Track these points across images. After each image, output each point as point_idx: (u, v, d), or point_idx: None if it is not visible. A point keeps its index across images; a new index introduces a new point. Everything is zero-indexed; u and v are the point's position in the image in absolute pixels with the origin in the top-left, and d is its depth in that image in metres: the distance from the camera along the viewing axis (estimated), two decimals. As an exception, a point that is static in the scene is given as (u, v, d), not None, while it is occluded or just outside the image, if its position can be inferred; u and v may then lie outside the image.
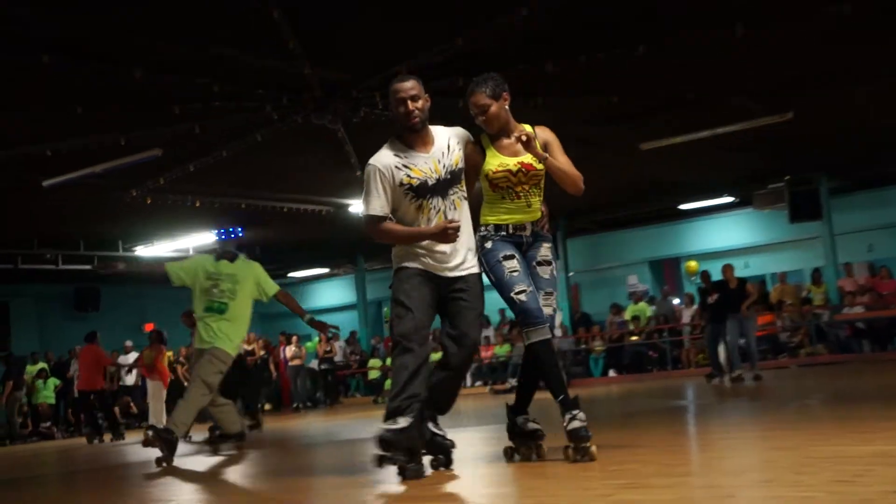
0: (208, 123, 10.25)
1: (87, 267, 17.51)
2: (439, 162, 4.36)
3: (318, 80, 9.50)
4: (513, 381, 17.83)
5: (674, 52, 9.28)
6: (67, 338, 19.89)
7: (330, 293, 25.04)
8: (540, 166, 4.42)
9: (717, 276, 13.37)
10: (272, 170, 13.11)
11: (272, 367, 20.34)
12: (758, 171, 16.09)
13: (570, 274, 20.29)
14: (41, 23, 7.61)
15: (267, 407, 19.86)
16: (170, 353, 15.51)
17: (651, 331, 18.28)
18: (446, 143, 4.43)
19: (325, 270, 23.79)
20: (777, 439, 4.49)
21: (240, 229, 7.86)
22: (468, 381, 19.59)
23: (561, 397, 4.18)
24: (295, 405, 19.42)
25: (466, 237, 4.40)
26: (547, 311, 4.36)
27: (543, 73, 9.30)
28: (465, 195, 4.46)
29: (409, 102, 4.30)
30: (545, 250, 4.48)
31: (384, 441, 4.11)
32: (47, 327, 20.46)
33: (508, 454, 4.54)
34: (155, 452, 6.66)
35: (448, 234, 4.22)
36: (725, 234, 19.71)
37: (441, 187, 4.35)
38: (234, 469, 5.83)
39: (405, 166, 4.32)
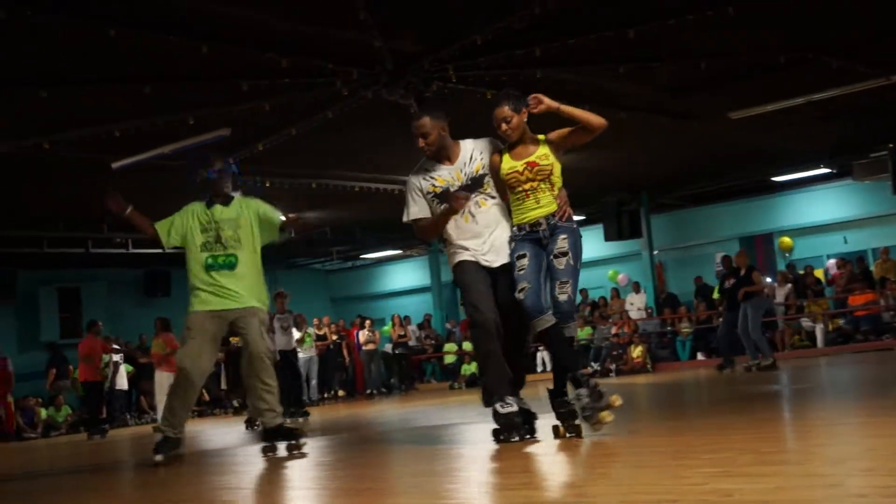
0: (277, 101, 10.36)
1: (158, 251, 17.92)
2: (461, 171, 5.33)
3: (389, 53, 9.52)
4: (594, 366, 17.74)
5: (766, 12, 9.05)
6: (138, 323, 20.43)
7: (403, 275, 25.20)
8: (545, 161, 5.11)
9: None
10: (343, 148, 13.21)
11: (345, 352, 20.59)
12: (857, 139, 15.64)
13: (655, 252, 20.05)
14: None
15: (340, 394, 20.13)
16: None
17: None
18: (469, 154, 5.37)
19: (398, 252, 23.93)
20: (878, 426, 4.38)
21: (234, 163, 6.61)
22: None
23: (570, 375, 5.04)
24: (369, 391, 19.63)
25: (497, 234, 5.25)
26: (561, 297, 5.01)
27: (625, 38, 9.16)
28: (494, 196, 5.31)
29: (419, 140, 5.31)
30: (561, 242, 5.09)
31: (507, 423, 5.10)
32: (118, 312, 20.99)
33: (555, 431, 5.13)
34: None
35: (454, 201, 5.14)
36: (822, 208, 19.24)
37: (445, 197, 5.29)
38: (308, 458, 5.91)
39: (430, 178, 5.38)
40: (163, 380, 13.28)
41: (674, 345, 18.54)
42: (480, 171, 5.29)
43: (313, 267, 25.89)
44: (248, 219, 6.36)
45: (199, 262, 6.24)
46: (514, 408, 5.14)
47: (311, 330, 19.25)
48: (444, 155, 5.36)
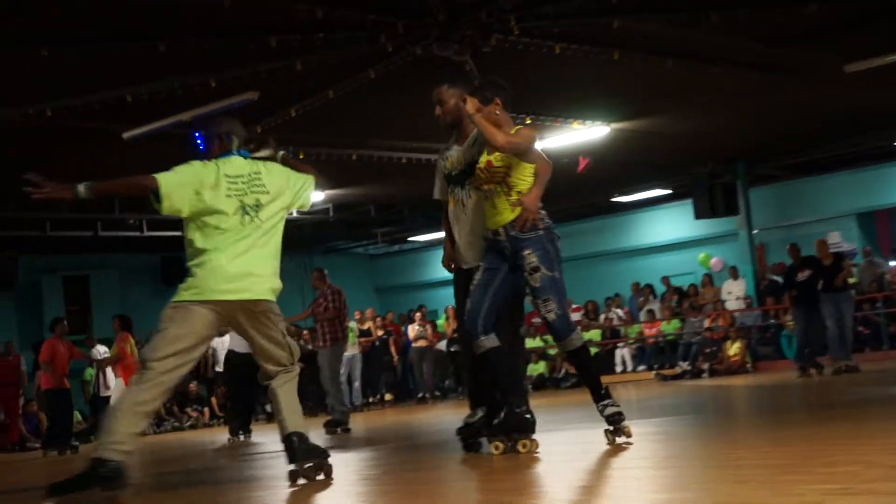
0: (311, 59, 10.38)
1: (176, 233, 18.13)
2: (464, 154, 5.76)
3: (442, 2, 9.49)
4: (684, 365, 17.62)
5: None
6: (154, 316, 20.65)
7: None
8: (498, 162, 5.44)
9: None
10: (387, 113, 13.22)
11: (393, 350, 20.65)
12: None
13: (754, 232, 19.81)
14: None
15: (388, 397, 20.23)
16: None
17: (860, 301, 17.67)
18: (475, 137, 5.70)
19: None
20: None
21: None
22: (629, 364, 19.48)
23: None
24: (420, 395, 19.70)
25: (466, 233, 5.79)
26: (549, 317, 5.39)
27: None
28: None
29: (436, 108, 5.82)
30: (529, 258, 5.39)
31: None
32: (131, 303, 21.26)
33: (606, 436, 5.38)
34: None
35: None
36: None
37: (459, 178, 5.79)
38: (353, 471, 5.95)
39: (445, 157, 5.91)
40: (119, 387, 13.32)
41: (778, 340, 18.31)
42: (476, 159, 5.64)
43: (355, 251, 26.03)
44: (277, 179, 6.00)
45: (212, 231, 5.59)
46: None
47: (353, 324, 19.35)
48: (461, 132, 5.86)
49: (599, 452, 5.08)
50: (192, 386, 19.52)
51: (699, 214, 18.76)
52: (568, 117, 14.25)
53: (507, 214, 5.44)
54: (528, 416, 5.46)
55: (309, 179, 5.60)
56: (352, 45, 10.24)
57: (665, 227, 21.95)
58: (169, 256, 21.64)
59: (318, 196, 18.04)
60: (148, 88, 10.72)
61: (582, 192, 19.45)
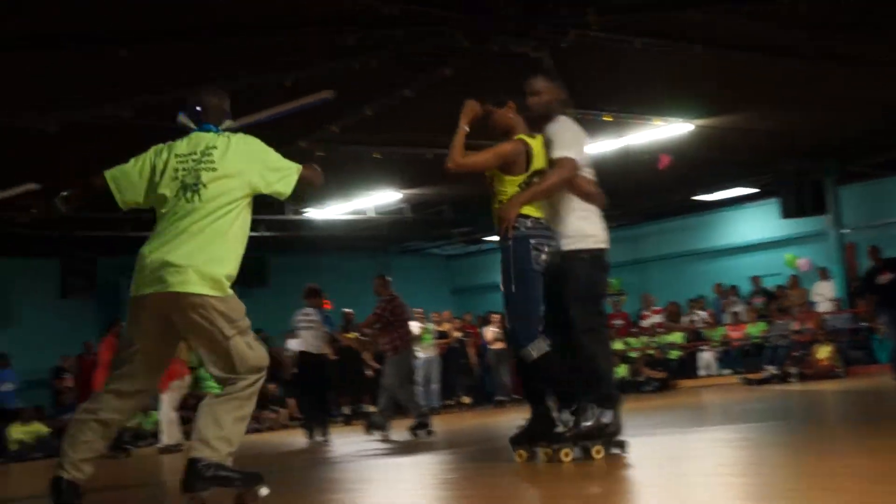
0: (388, 56, 10.39)
1: (253, 234, 18.29)
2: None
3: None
4: (771, 369, 17.31)
5: None
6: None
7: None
8: (487, 172, 6.07)
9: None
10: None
11: (471, 352, 20.64)
12: None
13: (844, 231, 19.41)
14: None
15: (465, 401, 20.21)
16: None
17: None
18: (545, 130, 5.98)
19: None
20: None
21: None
22: (713, 368, 19.22)
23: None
24: (498, 398, 19.65)
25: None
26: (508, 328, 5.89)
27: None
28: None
29: (529, 97, 6.06)
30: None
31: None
32: (210, 305, 21.54)
33: None
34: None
35: None
36: None
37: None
38: (432, 475, 5.92)
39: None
40: (167, 395, 13.53)
41: (870, 344, 17.91)
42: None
43: (431, 252, 26.07)
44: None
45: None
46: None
47: (430, 326, 19.38)
48: (541, 127, 6.02)
49: (684, 458, 4.98)
50: (271, 387, 19.69)
51: (786, 213, 18.43)
52: (649, 114, 14.09)
53: (497, 221, 5.98)
54: (604, 421, 5.44)
55: (293, 168, 5.07)
56: (428, 42, 10.23)
57: (750, 226, 21.60)
58: (247, 257, 21.85)
59: (394, 195, 18.11)
60: (224, 87, 10.81)
61: (663, 190, 19.24)
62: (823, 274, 19.23)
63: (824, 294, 18.98)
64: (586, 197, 5.96)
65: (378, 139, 13.93)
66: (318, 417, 12.42)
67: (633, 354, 20.08)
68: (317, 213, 18.59)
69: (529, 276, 5.68)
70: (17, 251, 18.85)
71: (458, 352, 20.45)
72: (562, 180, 5.79)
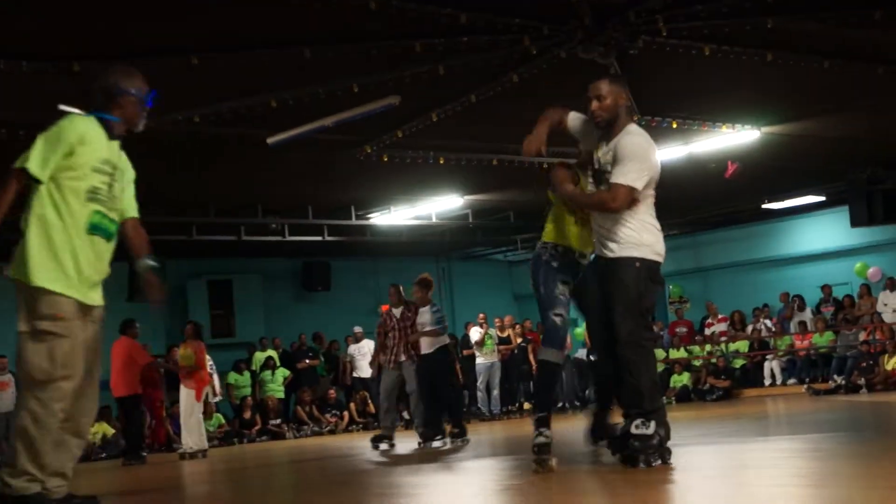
0: (454, 63, 10.44)
1: (317, 238, 18.46)
2: (604, 155, 5.93)
3: (588, 4, 9.42)
4: (838, 379, 17.08)
5: None
6: (295, 320, 21.11)
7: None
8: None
9: None
10: (529, 117, 13.08)
11: (531, 358, 20.61)
12: None
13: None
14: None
15: (527, 406, 20.19)
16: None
17: None
18: (617, 140, 5.85)
19: (594, 239, 23.78)
20: None
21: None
22: (778, 377, 19.02)
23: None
24: (560, 404, 19.60)
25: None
26: None
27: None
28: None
29: (593, 102, 5.91)
30: None
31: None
32: (273, 309, 21.72)
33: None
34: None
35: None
36: None
37: (596, 178, 6.07)
38: (495, 481, 5.94)
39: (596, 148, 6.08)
40: (189, 400, 13.31)
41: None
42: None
43: (494, 257, 26.06)
44: (129, 180, 5.45)
45: (83, 214, 5.06)
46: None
47: (492, 331, 19.40)
48: (611, 131, 5.92)
49: (754, 468, 4.95)
50: (332, 391, 19.86)
51: (856, 222, 18.15)
52: (716, 121, 13.99)
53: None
54: (645, 432, 5.52)
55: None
56: (495, 48, 10.26)
57: (818, 235, 21.32)
58: (310, 261, 22.06)
59: (457, 201, 18.15)
60: (293, 94, 10.94)
61: (730, 198, 19.06)
62: (892, 283, 18.94)
63: (891, 304, 18.68)
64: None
65: (442, 145, 13.97)
66: (432, 421, 11.66)
67: (697, 363, 19.91)
68: (380, 219, 18.68)
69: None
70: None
71: (519, 357, 20.42)
72: (607, 209, 5.77)
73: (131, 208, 5.34)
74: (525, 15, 9.65)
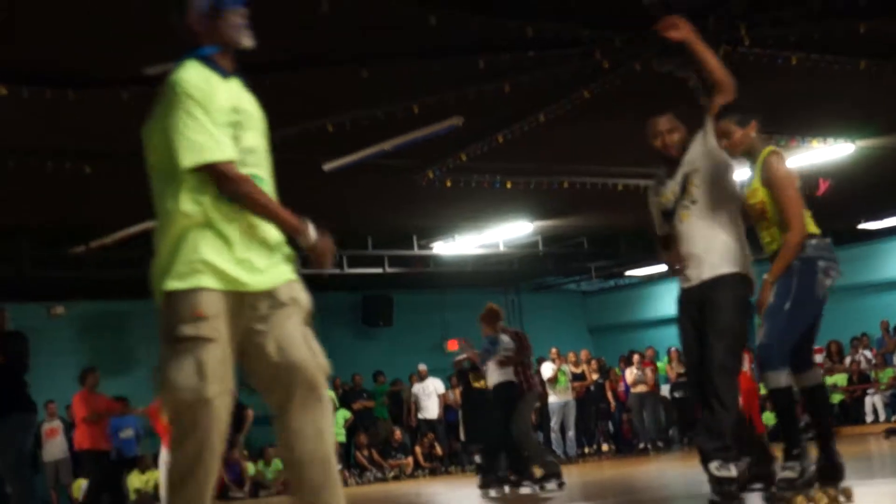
0: (521, 80, 10.41)
1: (377, 270, 18.50)
2: (677, 184, 6.00)
3: (665, 13, 9.35)
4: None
5: None
6: (356, 359, 21.13)
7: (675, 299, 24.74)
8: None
9: None
10: (602, 136, 13.12)
11: (609, 395, 20.46)
12: None
13: None
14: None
15: (605, 448, 20.03)
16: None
17: None
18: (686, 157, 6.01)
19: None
20: None
21: None
22: (881, 413, 18.65)
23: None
24: (641, 445, 19.40)
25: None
26: None
27: None
28: (696, 201, 5.90)
29: (659, 138, 6.03)
30: None
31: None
32: (332, 345, 21.69)
33: None
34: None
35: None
36: None
37: (673, 210, 6.00)
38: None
39: (657, 192, 6.12)
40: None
41: None
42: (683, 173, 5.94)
43: (566, 287, 25.96)
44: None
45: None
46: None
47: (566, 367, 19.27)
48: (676, 167, 6.01)
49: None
50: (397, 433, 19.82)
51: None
52: (806, 135, 13.80)
53: None
54: (725, 475, 5.51)
55: None
56: (564, 63, 10.21)
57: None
58: (370, 295, 22.10)
59: (527, 227, 18.09)
60: (349, 116, 10.98)
61: (824, 218, 18.73)
62: None
63: None
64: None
65: (509, 168, 13.94)
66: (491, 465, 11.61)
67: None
68: (444, 248, 18.68)
69: (809, 301, 5.69)
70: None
71: (596, 395, 20.26)
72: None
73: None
74: (596, 26, 9.60)
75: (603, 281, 24.80)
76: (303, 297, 4.16)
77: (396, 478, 18.78)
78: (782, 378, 5.57)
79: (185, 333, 3.64)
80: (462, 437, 18.59)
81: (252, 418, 18.19)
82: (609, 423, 20.76)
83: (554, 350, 19.28)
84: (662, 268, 23.62)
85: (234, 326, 3.77)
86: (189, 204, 3.71)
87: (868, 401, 19.00)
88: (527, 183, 14.58)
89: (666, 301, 25.04)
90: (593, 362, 20.79)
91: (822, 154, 14.47)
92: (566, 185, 14.97)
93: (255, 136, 4.06)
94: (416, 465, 19.34)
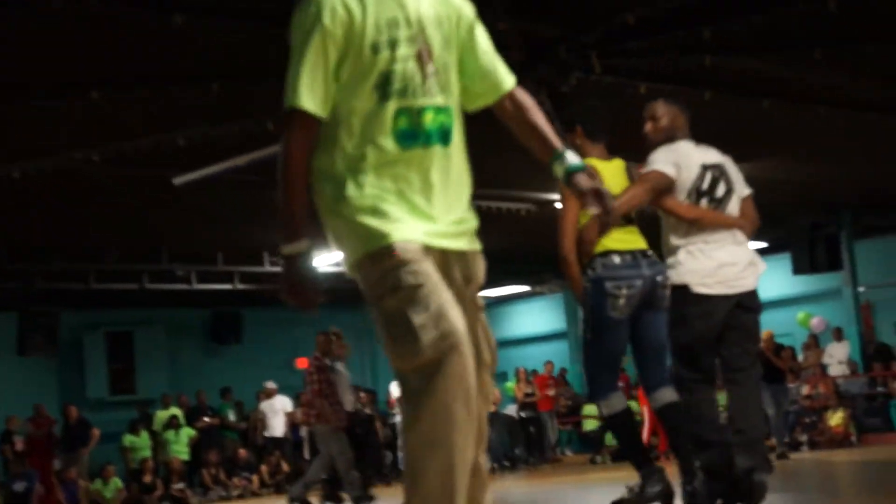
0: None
1: (227, 286, 18.27)
2: None
3: (519, 38, 9.51)
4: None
5: None
6: (203, 376, 20.77)
7: (531, 318, 25.03)
8: None
9: None
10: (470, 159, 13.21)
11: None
12: None
13: (860, 290, 19.45)
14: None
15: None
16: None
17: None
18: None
19: (525, 288, 23.82)
20: None
21: None
22: None
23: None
24: (489, 466, 19.52)
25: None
26: None
27: (825, 12, 8.94)
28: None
29: (648, 122, 6.10)
30: None
31: None
32: (179, 363, 21.38)
33: None
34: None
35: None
36: None
37: None
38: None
39: None
40: None
41: (887, 411, 17.92)
42: None
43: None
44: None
45: (384, 124, 3.13)
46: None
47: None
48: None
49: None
50: (242, 452, 19.54)
51: (798, 269, 18.46)
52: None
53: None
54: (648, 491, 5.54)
55: None
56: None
57: (761, 282, 21.54)
58: (220, 311, 21.78)
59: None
60: (201, 131, 10.86)
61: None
62: (837, 334, 19.19)
63: (836, 356, 18.90)
64: (695, 221, 5.74)
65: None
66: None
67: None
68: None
69: (605, 325, 5.64)
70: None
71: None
72: (631, 197, 5.57)
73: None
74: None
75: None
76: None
77: (241, 496, 18.52)
78: (613, 403, 5.70)
79: None
80: (307, 455, 18.57)
81: (98, 437, 17.79)
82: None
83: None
84: (514, 289, 23.91)
85: None
86: None
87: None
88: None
89: (517, 321, 25.32)
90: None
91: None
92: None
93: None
94: (262, 483, 19.10)
